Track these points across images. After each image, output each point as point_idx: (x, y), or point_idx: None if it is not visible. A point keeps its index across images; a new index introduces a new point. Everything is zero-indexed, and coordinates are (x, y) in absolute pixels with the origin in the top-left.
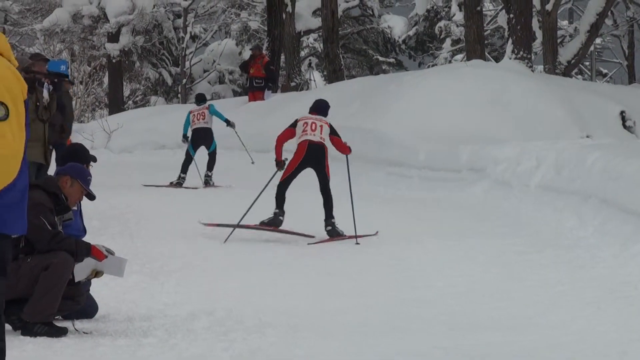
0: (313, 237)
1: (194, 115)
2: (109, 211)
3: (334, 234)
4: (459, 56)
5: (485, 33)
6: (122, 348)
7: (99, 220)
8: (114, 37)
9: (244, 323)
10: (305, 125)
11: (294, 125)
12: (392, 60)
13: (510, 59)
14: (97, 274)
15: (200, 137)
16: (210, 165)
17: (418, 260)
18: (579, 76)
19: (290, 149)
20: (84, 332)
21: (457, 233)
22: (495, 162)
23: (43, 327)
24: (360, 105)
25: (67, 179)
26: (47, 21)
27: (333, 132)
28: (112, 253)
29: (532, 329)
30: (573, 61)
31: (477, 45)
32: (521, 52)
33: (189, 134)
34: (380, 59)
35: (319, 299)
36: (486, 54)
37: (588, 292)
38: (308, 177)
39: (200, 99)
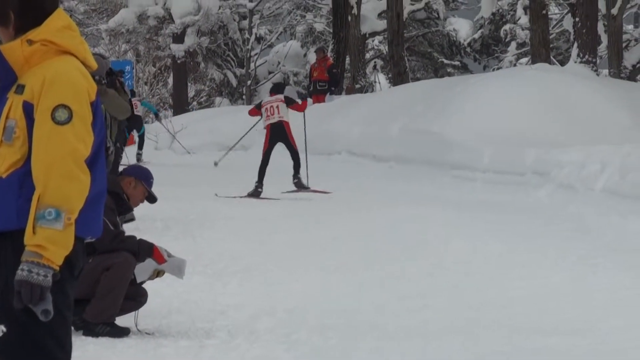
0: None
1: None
2: (172, 212)
3: (299, 185)
4: (524, 59)
5: (551, 37)
6: (184, 349)
7: (162, 221)
8: (179, 38)
9: (306, 324)
10: (266, 111)
11: (258, 107)
12: (457, 63)
13: (575, 62)
14: (158, 273)
15: (135, 122)
16: (140, 145)
17: (481, 263)
18: None
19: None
20: (146, 333)
21: (520, 236)
22: (559, 166)
23: (105, 327)
24: (425, 108)
25: (131, 180)
26: (113, 21)
27: (289, 103)
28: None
29: (594, 333)
30: (638, 65)
31: (542, 48)
32: (587, 56)
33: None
34: (445, 61)
35: (381, 301)
36: (551, 57)
37: None
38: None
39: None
